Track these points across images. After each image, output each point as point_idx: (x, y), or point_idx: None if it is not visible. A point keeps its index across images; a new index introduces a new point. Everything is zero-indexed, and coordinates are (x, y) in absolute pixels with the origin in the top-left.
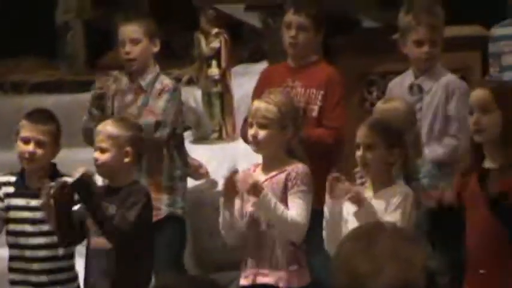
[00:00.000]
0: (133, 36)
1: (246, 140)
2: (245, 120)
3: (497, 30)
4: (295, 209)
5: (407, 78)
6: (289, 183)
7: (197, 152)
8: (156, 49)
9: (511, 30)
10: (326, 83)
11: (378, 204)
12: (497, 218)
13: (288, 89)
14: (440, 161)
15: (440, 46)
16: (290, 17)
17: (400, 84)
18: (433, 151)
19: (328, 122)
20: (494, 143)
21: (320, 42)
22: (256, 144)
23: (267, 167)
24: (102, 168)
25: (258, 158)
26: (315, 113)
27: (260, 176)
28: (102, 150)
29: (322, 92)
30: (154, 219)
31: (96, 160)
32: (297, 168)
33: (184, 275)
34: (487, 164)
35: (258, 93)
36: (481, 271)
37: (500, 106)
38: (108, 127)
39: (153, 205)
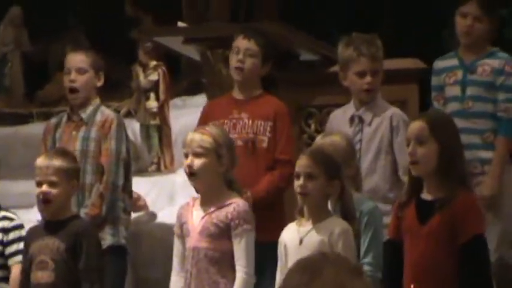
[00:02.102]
0: (80, 65)
1: None
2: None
3: (439, 63)
4: (240, 259)
5: (349, 110)
6: (232, 223)
7: (135, 185)
8: (99, 83)
9: (453, 62)
10: (274, 114)
11: (318, 237)
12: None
13: (235, 120)
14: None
15: (381, 78)
16: (239, 42)
17: (341, 116)
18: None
19: (280, 155)
20: (430, 175)
21: (263, 76)
22: (192, 174)
23: (205, 201)
24: (53, 203)
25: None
26: (265, 144)
27: (199, 212)
28: (52, 184)
29: (270, 124)
30: None
31: (45, 194)
32: (238, 206)
33: None
34: (424, 195)
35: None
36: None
37: (436, 138)
38: (54, 161)
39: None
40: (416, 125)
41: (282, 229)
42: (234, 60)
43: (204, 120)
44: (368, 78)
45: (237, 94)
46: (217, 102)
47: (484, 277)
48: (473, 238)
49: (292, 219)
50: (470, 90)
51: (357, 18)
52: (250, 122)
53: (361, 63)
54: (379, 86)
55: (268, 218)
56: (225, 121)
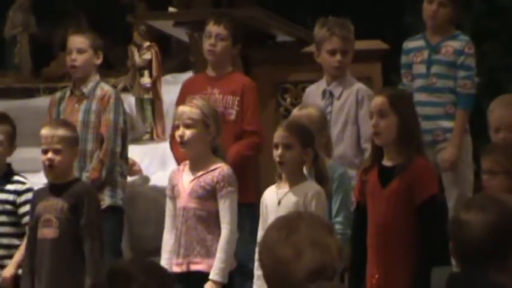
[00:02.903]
0: (80, 46)
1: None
2: (172, 136)
3: (408, 44)
4: (225, 217)
5: (321, 85)
6: (218, 186)
7: (131, 152)
8: (98, 61)
9: (420, 43)
10: (242, 90)
11: (294, 198)
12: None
13: (208, 95)
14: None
15: (351, 57)
16: (210, 27)
17: (314, 90)
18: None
19: (246, 126)
20: (390, 144)
21: (236, 54)
22: (184, 144)
23: (194, 166)
24: (57, 168)
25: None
26: (232, 117)
27: (188, 176)
28: (56, 152)
29: (238, 98)
30: None
31: (50, 160)
32: (223, 170)
33: (134, 259)
34: (385, 162)
35: (180, 101)
36: (376, 276)
37: (395, 112)
38: (59, 130)
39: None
40: (378, 100)
41: (255, 192)
42: (206, 44)
43: (182, 95)
44: (338, 57)
45: (210, 72)
46: (193, 80)
47: (441, 231)
48: (429, 197)
49: (268, 183)
50: (434, 68)
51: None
52: (221, 96)
53: (333, 43)
54: (349, 64)
55: (242, 183)
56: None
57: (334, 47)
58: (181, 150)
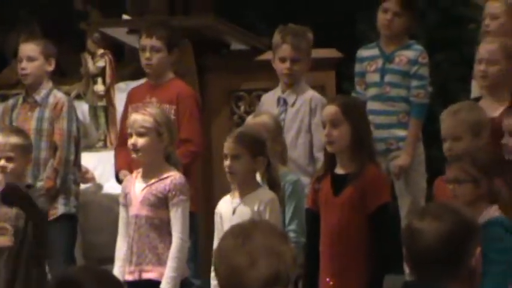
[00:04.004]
0: (30, 54)
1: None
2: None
3: (362, 52)
4: (177, 225)
5: (277, 92)
6: (170, 194)
7: (84, 159)
8: (50, 68)
9: (374, 52)
10: (177, 98)
11: (248, 207)
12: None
13: (147, 105)
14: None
15: (305, 65)
16: (143, 40)
17: (270, 98)
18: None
19: (181, 133)
20: (343, 152)
21: (175, 61)
22: (136, 152)
23: (146, 174)
24: (10, 176)
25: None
26: None
27: (141, 183)
28: (9, 159)
29: (174, 107)
30: (52, 217)
31: (3, 168)
32: (175, 179)
33: (85, 266)
34: (338, 170)
35: (125, 110)
36: (328, 280)
37: (348, 121)
38: (11, 138)
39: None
40: (330, 109)
41: (198, 202)
42: (142, 58)
43: (126, 105)
44: (287, 64)
45: (150, 81)
46: (137, 88)
47: (394, 239)
48: (382, 206)
49: (223, 192)
50: (388, 77)
51: (278, 13)
52: (158, 105)
53: (283, 50)
54: (302, 72)
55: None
56: (139, 105)
57: (284, 54)
58: (134, 158)
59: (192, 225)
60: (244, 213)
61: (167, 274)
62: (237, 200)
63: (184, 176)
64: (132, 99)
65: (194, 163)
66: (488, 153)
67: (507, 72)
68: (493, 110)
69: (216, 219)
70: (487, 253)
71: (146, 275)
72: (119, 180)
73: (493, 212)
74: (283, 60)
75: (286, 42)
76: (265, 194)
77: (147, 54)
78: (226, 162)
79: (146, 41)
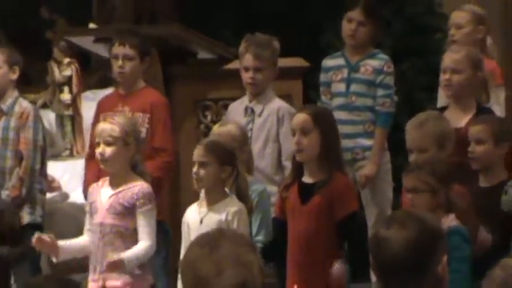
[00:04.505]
0: None
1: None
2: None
3: (327, 62)
4: (145, 232)
5: (244, 101)
6: (137, 202)
7: (50, 168)
8: (15, 76)
9: (340, 61)
10: (151, 107)
11: (216, 216)
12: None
13: (118, 114)
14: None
15: (270, 74)
16: (116, 49)
17: (237, 107)
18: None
19: (156, 144)
20: (312, 160)
21: (150, 69)
22: (104, 161)
23: (113, 182)
24: None
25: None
26: (143, 135)
27: (107, 191)
28: None
29: (148, 115)
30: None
31: None
32: (142, 188)
33: (49, 275)
34: (306, 179)
35: (95, 119)
36: (295, 287)
37: (318, 129)
38: None
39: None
40: (301, 118)
41: (167, 211)
42: (115, 66)
43: (97, 114)
44: (250, 74)
45: (121, 90)
46: (107, 97)
47: (361, 248)
48: (349, 214)
49: (189, 201)
50: (353, 87)
51: (246, 22)
52: (131, 114)
53: (246, 59)
54: (266, 82)
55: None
56: (111, 114)
57: (247, 64)
58: (101, 167)
59: (163, 233)
60: (212, 222)
61: (127, 253)
62: (204, 209)
63: (157, 185)
64: (103, 108)
65: (169, 173)
66: (446, 163)
67: (472, 81)
68: (459, 119)
69: (183, 228)
70: (449, 262)
71: (110, 283)
72: (85, 196)
73: (451, 221)
74: (246, 69)
75: (249, 52)
76: (233, 203)
77: (120, 63)
78: (194, 169)
79: (119, 50)
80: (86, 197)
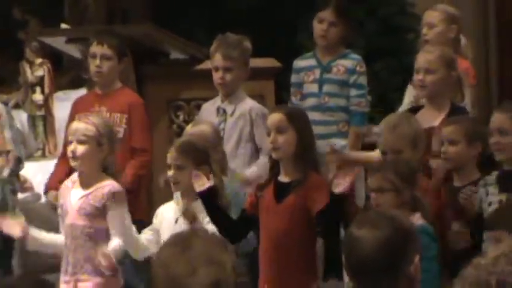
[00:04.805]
0: None
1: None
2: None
3: (299, 62)
4: (117, 233)
5: (216, 102)
6: (108, 203)
7: (23, 168)
8: None
9: (311, 62)
10: (129, 107)
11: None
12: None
13: (95, 114)
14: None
15: (240, 74)
16: (94, 48)
17: (210, 107)
18: (250, 171)
19: (135, 144)
20: (288, 159)
21: (125, 68)
22: (75, 159)
23: (84, 182)
24: None
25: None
26: (120, 135)
27: (77, 192)
28: None
29: (126, 116)
30: None
31: None
32: (113, 187)
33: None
34: (281, 178)
35: (70, 119)
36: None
37: (294, 128)
38: None
39: None
40: (276, 117)
41: (146, 210)
42: (92, 66)
43: (72, 114)
44: (219, 74)
45: (97, 90)
46: (82, 98)
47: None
48: (325, 206)
49: (162, 200)
50: (326, 88)
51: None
52: (108, 114)
53: (215, 60)
54: (236, 82)
55: (134, 200)
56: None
57: (217, 64)
58: (72, 165)
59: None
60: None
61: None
62: (180, 208)
63: (139, 183)
64: (79, 108)
65: (149, 172)
66: (410, 162)
67: (445, 81)
68: (434, 118)
69: (155, 223)
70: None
71: (82, 285)
72: (46, 195)
73: (417, 220)
74: (216, 69)
75: (219, 52)
76: None
77: (98, 62)
78: (171, 173)
79: (97, 49)
80: (46, 192)
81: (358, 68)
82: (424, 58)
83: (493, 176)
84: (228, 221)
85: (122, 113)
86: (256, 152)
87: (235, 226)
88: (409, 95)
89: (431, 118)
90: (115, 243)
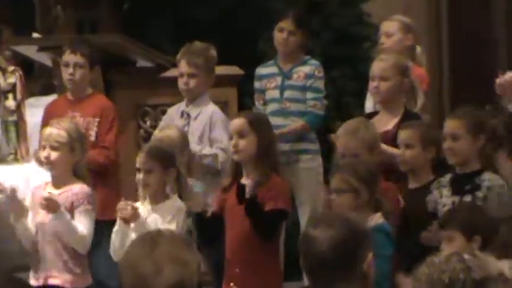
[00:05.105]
0: None
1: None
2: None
3: (261, 70)
4: (83, 225)
5: (182, 106)
6: (76, 203)
7: None
8: None
9: (273, 69)
10: (101, 111)
11: (158, 216)
12: (250, 221)
13: (69, 118)
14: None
15: (204, 81)
16: (67, 56)
17: (175, 111)
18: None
19: (101, 142)
20: (249, 162)
21: (96, 75)
22: (49, 164)
23: (56, 184)
24: None
25: (48, 177)
26: (92, 138)
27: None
28: None
29: (98, 120)
30: None
31: None
32: (82, 189)
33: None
34: (244, 180)
35: (44, 124)
36: (237, 270)
37: (255, 132)
38: None
39: None
40: (238, 122)
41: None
42: (65, 73)
43: (45, 119)
44: (184, 79)
45: (70, 96)
46: (55, 103)
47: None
48: (274, 210)
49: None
50: (287, 93)
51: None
52: (82, 119)
53: (181, 66)
54: (200, 88)
55: (103, 200)
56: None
57: (182, 70)
58: (45, 169)
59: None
60: (154, 222)
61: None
62: (147, 208)
63: (105, 184)
64: (52, 114)
65: (108, 167)
66: (369, 164)
67: (399, 87)
68: (387, 122)
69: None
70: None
71: (51, 281)
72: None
73: (377, 219)
74: (181, 75)
75: (184, 59)
76: (175, 204)
77: (71, 70)
78: (140, 176)
79: (70, 57)
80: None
81: (316, 73)
82: (378, 66)
83: (447, 178)
84: (201, 223)
85: (94, 117)
86: None
87: (207, 227)
88: (370, 101)
89: (385, 122)
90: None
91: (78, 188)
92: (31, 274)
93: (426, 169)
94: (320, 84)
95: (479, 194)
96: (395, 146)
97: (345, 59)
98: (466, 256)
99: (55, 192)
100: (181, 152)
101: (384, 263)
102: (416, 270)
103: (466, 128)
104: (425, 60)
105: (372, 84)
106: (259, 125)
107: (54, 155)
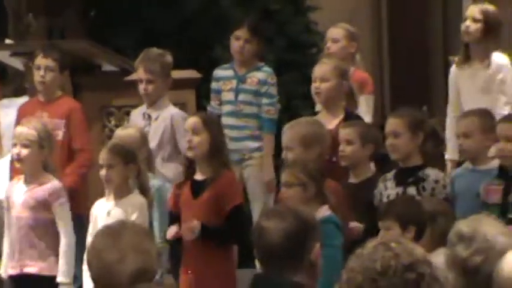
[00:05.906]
0: None
1: None
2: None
3: (218, 72)
4: (64, 218)
5: (143, 108)
6: (50, 198)
7: None
8: None
9: (229, 73)
10: (68, 112)
11: (121, 209)
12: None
13: (38, 118)
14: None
15: (161, 85)
16: (39, 60)
17: (138, 113)
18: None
19: (75, 144)
20: (202, 159)
21: (64, 79)
22: (20, 161)
23: (28, 180)
24: None
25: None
26: (60, 137)
27: (22, 188)
28: None
29: (65, 120)
30: None
31: None
32: (53, 184)
33: None
34: (197, 176)
35: (17, 123)
36: (189, 272)
37: (207, 130)
38: None
39: None
40: (192, 120)
41: (84, 204)
42: (37, 76)
43: (18, 119)
44: (143, 85)
45: (40, 97)
46: (27, 104)
47: (246, 234)
48: (236, 206)
49: (96, 196)
50: (241, 96)
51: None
52: (50, 120)
53: (139, 72)
54: (158, 92)
55: (74, 196)
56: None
57: (140, 76)
58: (17, 166)
59: (81, 226)
60: (117, 215)
61: (61, 268)
62: (111, 203)
63: (83, 181)
64: (24, 113)
65: (89, 170)
66: (316, 161)
67: (338, 89)
68: (329, 122)
69: (91, 219)
70: (322, 249)
71: (27, 270)
72: None
73: (324, 211)
74: (140, 81)
75: (141, 66)
76: (136, 198)
77: (42, 73)
78: (103, 172)
79: (42, 61)
80: None
81: (269, 80)
82: (319, 68)
83: (392, 173)
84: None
85: (61, 118)
86: (174, 152)
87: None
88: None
89: (327, 122)
90: (62, 251)
91: (49, 184)
92: (6, 263)
93: (365, 165)
94: (273, 90)
95: (427, 186)
96: (337, 145)
97: (295, 64)
98: (392, 244)
99: (25, 188)
100: (140, 149)
101: (334, 251)
102: (346, 262)
103: (406, 126)
104: (363, 68)
105: (314, 85)
106: (212, 124)
107: (24, 152)
